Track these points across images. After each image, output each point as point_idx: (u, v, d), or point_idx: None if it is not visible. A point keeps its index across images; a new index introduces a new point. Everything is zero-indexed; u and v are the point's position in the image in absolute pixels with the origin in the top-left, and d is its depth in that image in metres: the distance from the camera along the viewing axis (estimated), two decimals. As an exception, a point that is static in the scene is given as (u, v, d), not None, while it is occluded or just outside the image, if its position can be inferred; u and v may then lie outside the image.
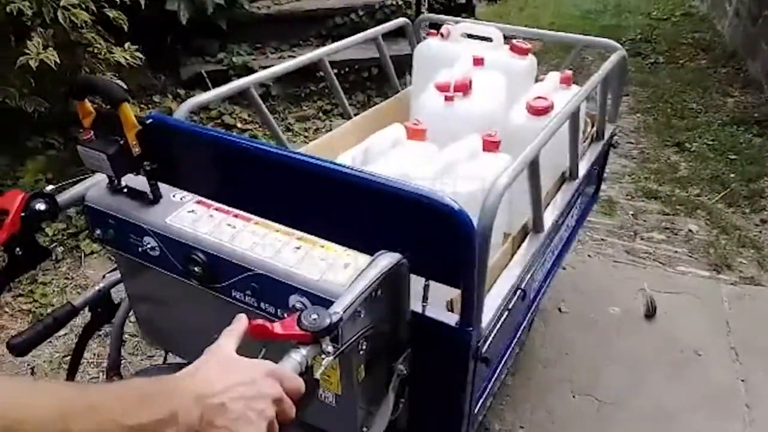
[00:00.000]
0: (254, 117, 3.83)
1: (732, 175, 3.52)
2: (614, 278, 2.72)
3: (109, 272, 1.39)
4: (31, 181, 2.95)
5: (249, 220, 1.07)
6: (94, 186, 1.18)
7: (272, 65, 1.77)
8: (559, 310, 2.50)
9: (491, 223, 1.11)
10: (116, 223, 1.14)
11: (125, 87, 2.87)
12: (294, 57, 1.78)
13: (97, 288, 1.37)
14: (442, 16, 2.40)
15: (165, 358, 1.48)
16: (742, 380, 2.19)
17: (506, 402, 2.11)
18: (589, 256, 2.86)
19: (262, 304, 1.01)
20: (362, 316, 0.96)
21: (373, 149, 1.47)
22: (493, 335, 1.31)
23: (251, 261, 0.99)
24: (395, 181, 1.05)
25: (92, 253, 2.80)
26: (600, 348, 2.33)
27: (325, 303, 0.91)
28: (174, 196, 1.14)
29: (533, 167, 1.35)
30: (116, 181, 1.13)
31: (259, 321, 0.79)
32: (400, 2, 4.16)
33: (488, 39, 2.15)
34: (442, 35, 2.22)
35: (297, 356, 0.78)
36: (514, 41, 2.11)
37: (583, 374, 2.21)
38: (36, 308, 2.51)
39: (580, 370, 2.23)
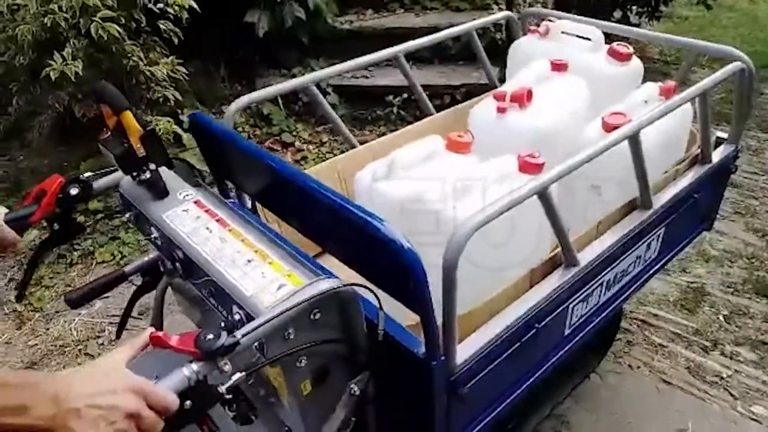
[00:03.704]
0: (314, 137, 3.80)
1: None
2: (653, 406, 2.01)
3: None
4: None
5: (225, 226, 1.15)
6: (128, 175, 1.34)
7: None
8: (559, 435, 1.92)
9: (455, 262, 1.05)
10: (136, 211, 1.29)
11: (179, 97, 3.09)
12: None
13: (146, 258, 1.57)
14: (551, 11, 2.21)
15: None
16: None
17: None
18: (630, 366, 2.17)
19: (219, 307, 1.09)
20: (292, 336, 0.99)
21: (400, 162, 1.45)
22: (482, 373, 1.25)
23: (208, 268, 1.07)
24: (354, 205, 1.05)
25: (103, 262, 2.82)
26: None
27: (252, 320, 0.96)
28: (180, 193, 1.26)
29: (545, 200, 1.23)
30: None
31: (160, 333, 0.87)
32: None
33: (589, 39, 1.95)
34: (539, 33, 2.06)
35: (186, 371, 0.84)
36: (615, 44, 1.89)
37: None
38: (28, 311, 2.51)
39: None
